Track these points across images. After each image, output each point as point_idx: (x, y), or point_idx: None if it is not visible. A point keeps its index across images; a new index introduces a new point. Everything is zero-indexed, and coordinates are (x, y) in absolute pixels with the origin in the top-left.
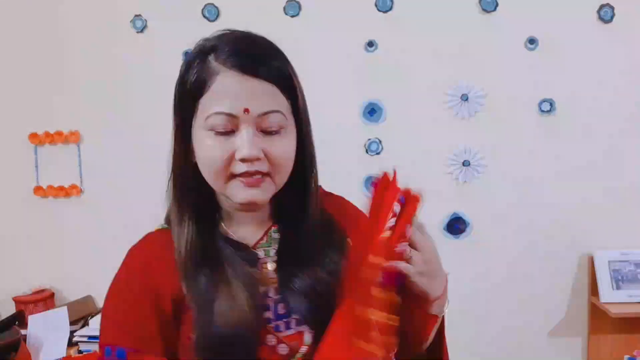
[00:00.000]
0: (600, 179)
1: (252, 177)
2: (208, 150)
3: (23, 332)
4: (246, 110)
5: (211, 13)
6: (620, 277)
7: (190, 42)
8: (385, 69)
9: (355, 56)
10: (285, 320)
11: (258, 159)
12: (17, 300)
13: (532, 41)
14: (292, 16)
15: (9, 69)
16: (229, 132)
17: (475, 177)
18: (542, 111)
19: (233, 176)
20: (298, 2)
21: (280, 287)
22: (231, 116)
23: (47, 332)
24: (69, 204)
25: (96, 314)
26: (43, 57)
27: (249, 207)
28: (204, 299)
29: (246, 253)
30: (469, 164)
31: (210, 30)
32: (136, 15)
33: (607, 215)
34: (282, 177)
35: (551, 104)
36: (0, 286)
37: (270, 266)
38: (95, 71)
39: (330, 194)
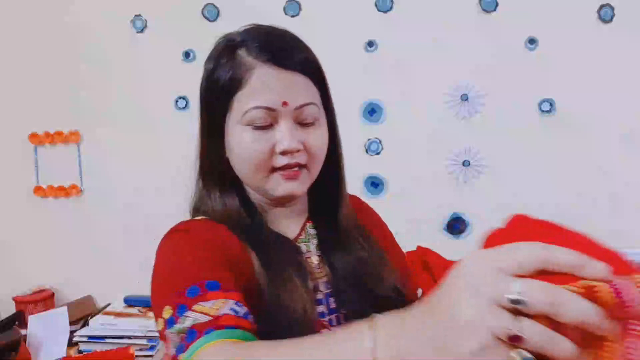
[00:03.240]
0: (600, 178)
1: (292, 170)
2: (248, 145)
3: (23, 332)
4: (284, 104)
5: (211, 13)
6: None
7: (190, 42)
8: (385, 69)
9: (355, 56)
10: (336, 314)
11: (298, 151)
12: (17, 300)
13: (532, 41)
14: (292, 16)
15: (9, 69)
16: (267, 126)
17: (475, 177)
18: (542, 111)
19: (273, 170)
20: (298, 2)
21: (332, 283)
22: (270, 110)
23: (47, 332)
24: (69, 204)
25: (96, 313)
26: (43, 57)
27: (287, 199)
28: (273, 286)
29: (289, 246)
30: (469, 164)
31: (211, 30)
32: (136, 15)
33: (607, 215)
34: (317, 168)
35: (551, 104)
36: (0, 286)
37: (315, 259)
38: (95, 71)
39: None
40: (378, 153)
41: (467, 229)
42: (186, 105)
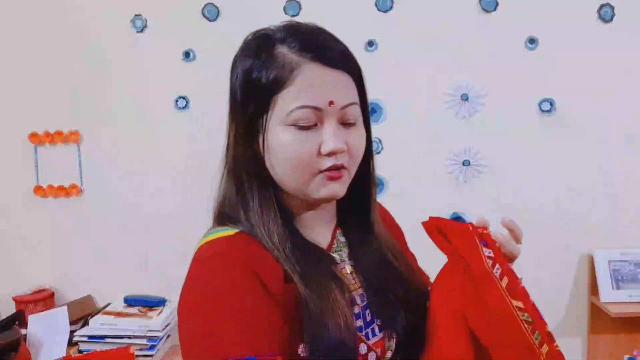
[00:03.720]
0: (600, 178)
1: (335, 171)
2: (291, 146)
3: (23, 332)
4: (331, 103)
5: (211, 13)
6: (620, 277)
7: (190, 42)
8: (385, 69)
9: (355, 56)
10: (371, 327)
11: (343, 152)
12: (17, 300)
13: (532, 41)
14: (292, 16)
15: (9, 68)
16: (311, 126)
17: (475, 177)
18: (542, 111)
19: (318, 172)
20: (298, 2)
21: (367, 293)
22: (317, 109)
23: (47, 332)
24: (69, 204)
25: (96, 313)
26: (43, 57)
27: (328, 201)
28: (315, 303)
29: (326, 257)
30: (469, 164)
31: (211, 30)
32: (136, 15)
33: (607, 215)
34: (355, 170)
35: (551, 104)
36: (0, 286)
37: (348, 269)
38: (95, 71)
39: None
40: (378, 153)
41: None
42: (186, 105)
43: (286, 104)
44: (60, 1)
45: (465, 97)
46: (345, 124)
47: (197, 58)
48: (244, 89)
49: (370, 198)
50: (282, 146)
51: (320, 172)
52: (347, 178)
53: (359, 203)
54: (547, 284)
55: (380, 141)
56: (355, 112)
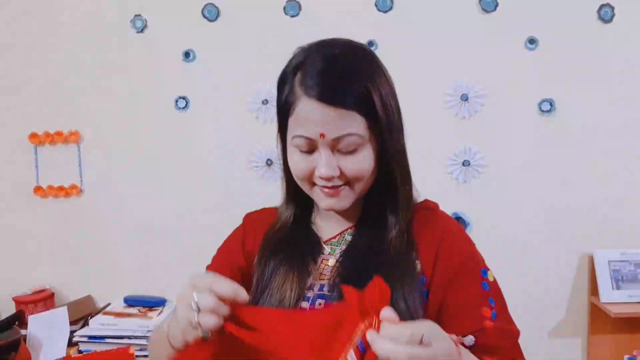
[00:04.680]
0: (600, 179)
1: (331, 190)
2: (294, 164)
3: (23, 332)
4: (322, 135)
5: (211, 13)
6: (620, 277)
7: (190, 42)
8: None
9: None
10: None
11: (333, 178)
12: (17, 300)
13: (532, 41)
14: (292, 16)
15: (9, 68)
16: (310, 151)
17: (475, 177)
18: (542, 111)
19: (315, 184)
20: (298, 2)
21: (333, 289)
22: (309, 139)
23: (47, 332)
24: (69, 204)
25: (96, 313)
26: (43, 57)
27: (332, 211)
28: (263, 279)
29: (317, 246)
30: (469, 164)
31: (211, 30)
32: (136, 15)
33: (607, 215)
34: (361, 186)
35: (551, 104)
36: (0, 286)
37: (331, 262)
38: (95, 71)
39: (433, 210)
40: None
41: (467, 229)
42: (186, 105)
43: (291, 130)
44: (61, 1)
45: (465, 97)
46: (342, 151)
47: (197, 58)
48: (276, 103)
49: (382, 204)
50: (291, 162)
51: (317, 184)
52: (348, 194)
53: (374, 208)
54: (547, 284)
55: None
56: (353, 141)
